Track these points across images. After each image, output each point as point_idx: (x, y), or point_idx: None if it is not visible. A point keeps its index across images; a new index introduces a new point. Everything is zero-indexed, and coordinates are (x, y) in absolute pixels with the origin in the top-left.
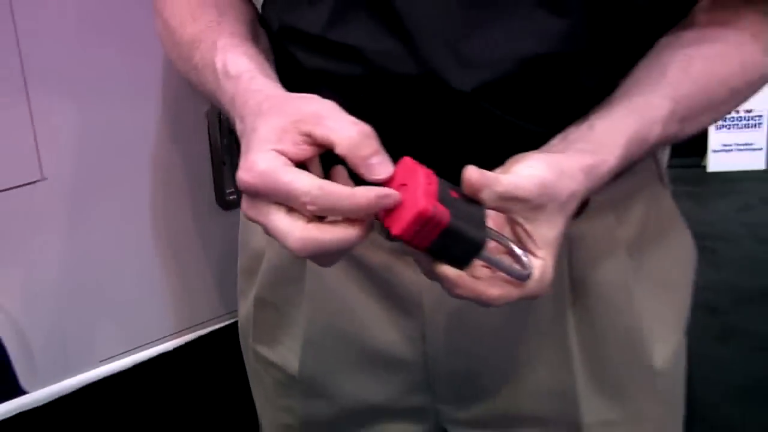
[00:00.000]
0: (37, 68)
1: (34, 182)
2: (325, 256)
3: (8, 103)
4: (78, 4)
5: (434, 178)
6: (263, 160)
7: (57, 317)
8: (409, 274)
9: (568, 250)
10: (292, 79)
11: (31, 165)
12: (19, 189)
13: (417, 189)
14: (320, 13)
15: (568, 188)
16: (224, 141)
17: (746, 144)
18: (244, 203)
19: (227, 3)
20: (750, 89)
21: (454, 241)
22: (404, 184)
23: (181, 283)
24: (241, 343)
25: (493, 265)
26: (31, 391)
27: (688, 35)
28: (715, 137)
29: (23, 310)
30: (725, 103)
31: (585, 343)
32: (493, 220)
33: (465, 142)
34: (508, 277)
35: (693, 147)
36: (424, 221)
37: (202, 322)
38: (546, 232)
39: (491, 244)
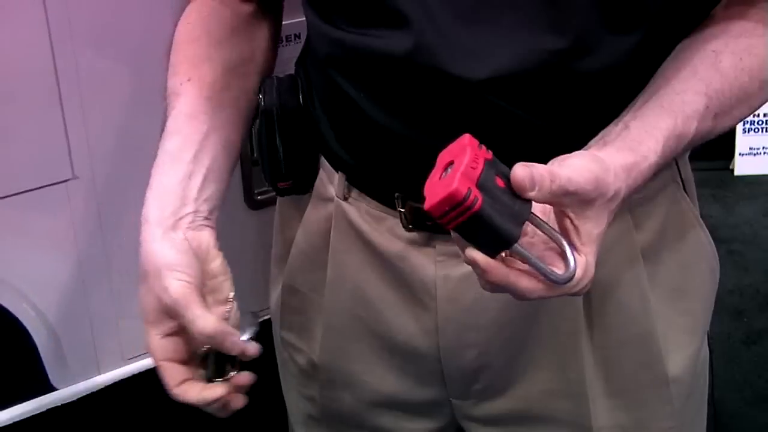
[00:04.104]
0: (70, 73)
1: (66, 181)
2: None
3: (43, 107)
4: (110, 10)
5: (481, 162)
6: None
7: (86, 315)
8: (424, 265)
9: None
10: (319, 69)
11: (64, 164)
12: (52, 187)
13: (458, 169)
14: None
15: (614, 184)
16: (256, 142)
17: None
18: None
19: (203, 56)
20: None
21: (483, 229)
22: (452, 162)
23: None
24: (273, 333)
25: (528, 263)
26: (61, 388)
27: (709, 32)
28: (743, 140)
29: (53, 308)
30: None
31: (597, 345)
32: (540, 208)
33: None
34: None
35: (720, 150)
36: (454, 203)
37: None
38: (591, 228)
39: (536, 234)
